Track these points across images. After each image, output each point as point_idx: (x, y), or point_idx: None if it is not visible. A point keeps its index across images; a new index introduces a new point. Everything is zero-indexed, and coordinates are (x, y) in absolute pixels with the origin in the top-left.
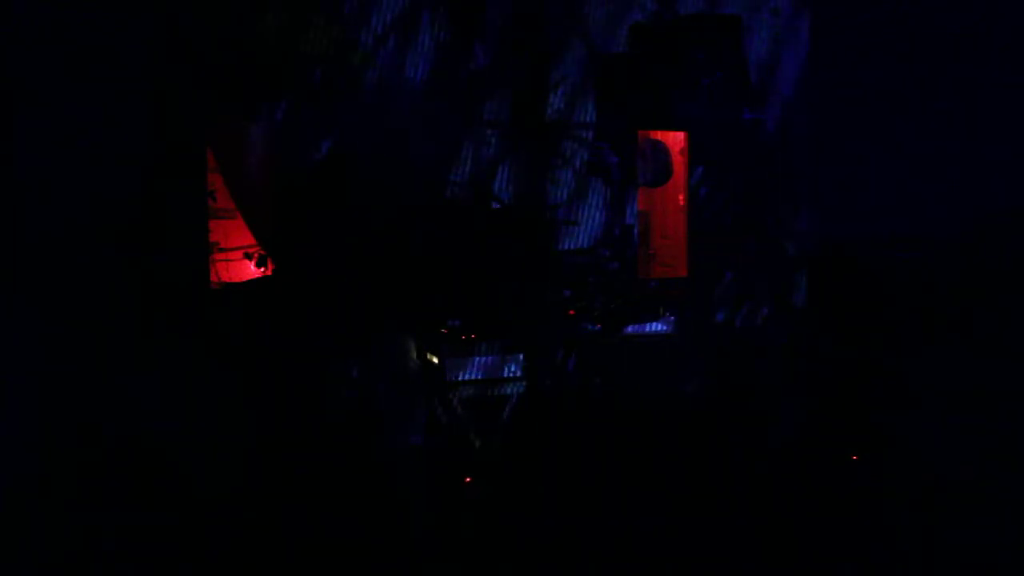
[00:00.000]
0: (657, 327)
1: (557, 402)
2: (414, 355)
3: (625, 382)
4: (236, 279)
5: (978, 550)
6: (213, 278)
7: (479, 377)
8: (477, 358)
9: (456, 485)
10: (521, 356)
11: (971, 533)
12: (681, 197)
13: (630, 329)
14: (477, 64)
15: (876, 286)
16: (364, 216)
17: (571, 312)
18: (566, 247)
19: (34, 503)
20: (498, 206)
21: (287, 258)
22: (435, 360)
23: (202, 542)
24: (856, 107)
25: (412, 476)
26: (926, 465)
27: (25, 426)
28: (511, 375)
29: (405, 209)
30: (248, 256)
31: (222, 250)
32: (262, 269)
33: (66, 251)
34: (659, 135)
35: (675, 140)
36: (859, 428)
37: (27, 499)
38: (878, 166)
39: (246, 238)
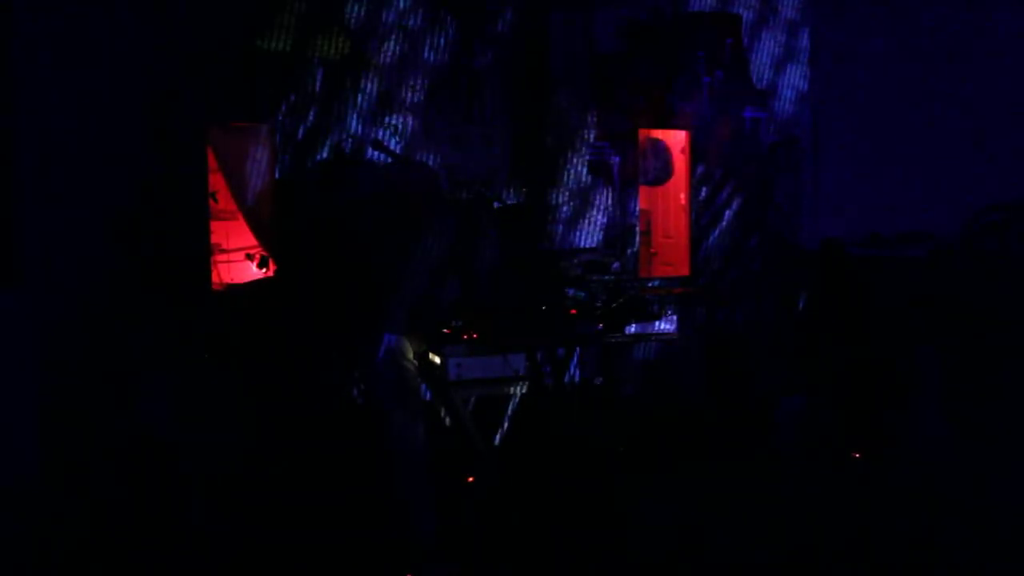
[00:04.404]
0: (659, 326)
1: (559, 401)
2: (414, 355)
3: (627, 381)
4: (238, 280)
5: (978, 550)
6: (215, 279)
7: (481, 376)
8: (479, 357)
9: (457, 485)
10: (523, 355)
11: (972, 532)
12: (683, 196)
13: (632, 328)
14: (478, 63)
15: (877, 284)
16: (365, 216)
17: (572, 312)
18: (568, 247)
19: (34, 501)
20: (499, 205)
21: (288, 259)
22: (437, 360)
23: (202, 541)
24: (856, 106)
25: (412, 476)
26: (926, 463)
27: (25, 425)
28: (513, 374)
29: (406, 209)
30: (250, 257)
31: (223, 251)
32: (264, 270)
33: (66, 252)
34: (660, 134)
35: (676, 139)
36: (860, 427)
37: (27, 498)
38: (879, 164)
39: (247, 239)
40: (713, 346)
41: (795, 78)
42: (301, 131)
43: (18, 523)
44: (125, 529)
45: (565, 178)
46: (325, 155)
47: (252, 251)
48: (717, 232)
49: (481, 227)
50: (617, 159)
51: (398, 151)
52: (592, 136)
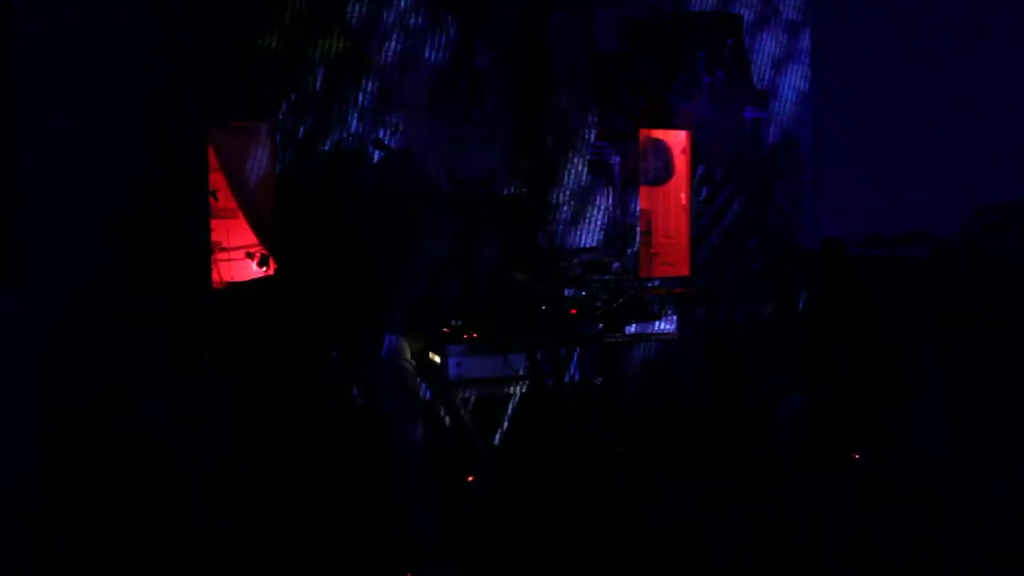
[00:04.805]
0: (659, 326)
1: (559, 401)
2: (412, 354)
3: (626, 381)
4: (238, 279)
5: (978, 550)
6: (215, 277)
7: (481, 376)
8: (479, 357)
9: (456, 485)
10: (523, 355)
11: (972, 532)
12: (683, 196)
13: (632, 328)
14: (478, 63)
15: (877, 284)
16: (365, 216)
17: (573, 311)
18: (568, 247)
19: (34, 501)
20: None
21: (288, 258)
22: (436, 359)
23: (202, 541)
24: (856, 106)
25: (412, 476)
26: (926, 463)
27: (25, 425)
28: (513, 374)
29: (406, 209)
30: (250, 256)
31: (224, 249)
32: (264, 269)
33: (66, 252)
34: (660, 134)
35: (676, 139)
36: (860, 427)
37: (27, 498)
38: (879, 164)
39: (248, 238)
40: (713, 346)
41: (796, 78)
42: (301, 130)
43: (18, 523)
44: (125, 529)
45: (565, 178)
46: (326, 154)
47: (252, 249)
48: (717, 232)
49: (481, 226)
50: (617, 159)
51: (398, 150)
52: (592, 136)
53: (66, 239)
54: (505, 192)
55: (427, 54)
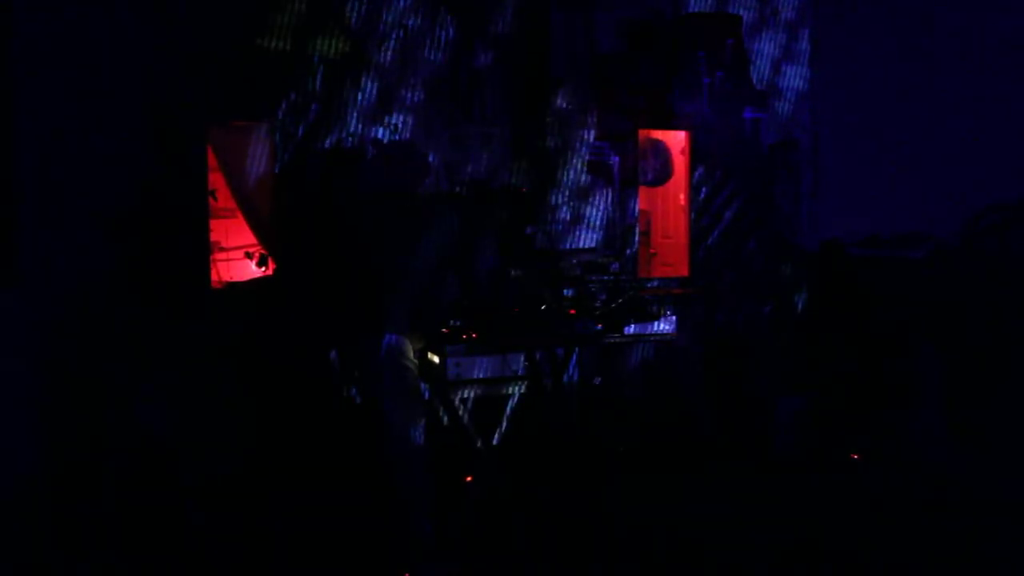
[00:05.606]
0: (658, 327)
1: (558, 401)
2: (414, 353)
3: (626, 381)
4: (237, 279)
5: (978, 550)
6: (214, 277)
7: (480, 376)
8: (478, 357)
9: (456, 485)
10: (522, 355)
11: (971, 533)
12: (682, 196)
13: (631, 329)
14: (478, 63)
15: (877, 285)
16: (365, 215)
17: (572, 312)
18: (567, 247)
19: (34, 501)
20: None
21: (288, 257)
22: (435, 359)
23: (201, 541)
24: (856, 107)
25: (412, 476)
26: (926, 464)
27: (25, 426)
28: (512, 374)
29: (406, 208)
30: (249, 255)
31: (223, 249)
32: (263, 269)
33: (65, 252)
34: (660, 134)
35: (676, 140)
36: (860, 427)
37: (27, 498)
38: (879, 165)
39: (247, 237)
40: (712, 347)
41: (795, 79)
42: (301, 130)
43: (18, 523)
44: (125, 529)
45: (565, 178)
46: (325, 154)
47: (251, 249)
48: (717, 233)
49: (481, 226)
50: (617, 159)
51: (397, 150)
52: (592, 136)
53: (66, 239)
54: (504, 191)
55: (427, 54)
